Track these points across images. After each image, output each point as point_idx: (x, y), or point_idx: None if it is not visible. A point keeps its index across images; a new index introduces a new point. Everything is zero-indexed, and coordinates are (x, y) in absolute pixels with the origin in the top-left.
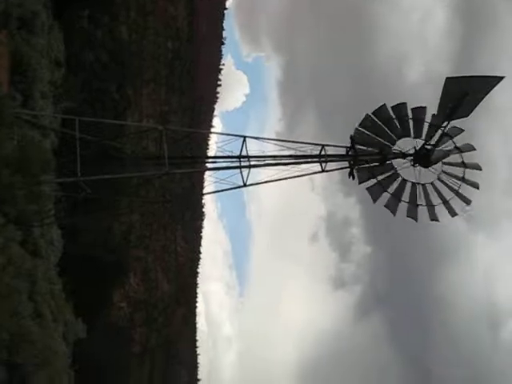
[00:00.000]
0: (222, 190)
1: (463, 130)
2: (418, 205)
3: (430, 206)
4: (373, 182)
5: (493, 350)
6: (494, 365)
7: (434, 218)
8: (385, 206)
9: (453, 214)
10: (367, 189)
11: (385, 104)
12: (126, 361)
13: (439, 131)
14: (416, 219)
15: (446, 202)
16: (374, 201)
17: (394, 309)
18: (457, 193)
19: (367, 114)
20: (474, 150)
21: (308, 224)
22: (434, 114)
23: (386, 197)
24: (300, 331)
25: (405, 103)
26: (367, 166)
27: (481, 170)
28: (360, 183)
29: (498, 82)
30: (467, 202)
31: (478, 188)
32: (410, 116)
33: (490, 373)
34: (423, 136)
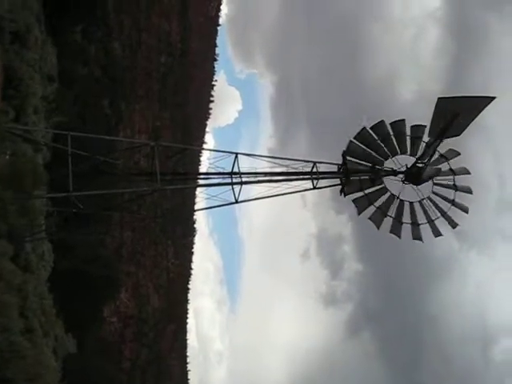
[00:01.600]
0: (214, 207)
1: (459, 154)
2: (402, 222)
3: (415, 225)
4: (360, 194)
5: (485, 368)
6: (486, 381)
7: (417, 236)
8: (369, 218)
9: (437, 234)
10: (353, 200)
11: (383, 120)
12: (116, 376)
13: (431, 149)
14: (399, 236)
15: (431, 222)
16: (359, 213)
17: (386, 327)
18: (444, 214)
19: (364, 128)
20: (469, 173)
21: (299, 241)
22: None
23: (372, 210)
24: (291, 348)
25: (403, 120)
26: (358, 178)
27: (471, 193)
28: (346, 195)
29: (490, 102)
30: (453, 225)
31: (467, 212)
32: (408, 133)
33: None
34: (419, 153)
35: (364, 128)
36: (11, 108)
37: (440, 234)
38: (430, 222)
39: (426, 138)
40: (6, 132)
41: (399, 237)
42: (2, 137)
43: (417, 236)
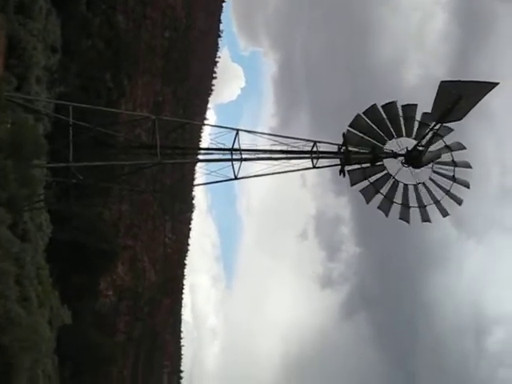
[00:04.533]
0: (213, 182)
1: (453, 130)
2: (409, 206)
3: (422, 208)
4: (365, 183)
5: (478, 358)
6: (478, 371)
7: (426, 219)
8: (378, 207)
9: (444, 214)
10: (361, 191)
11: (375, 104)
12: (110, 349)
13: (431, 132)
14: (408, 221)
15: (437, 203)
16: (367, 202)
17: (381, 311)
18: (448, 192)
19: (358, 114)
20: (464, 148)
21: (298, 221)
22: (424, 113)
23: (379, 198)
24: (285, 327)
25: (395, 101)
26: (359, 166)
27: (471, 168)
28: (352, 185)
29: (493, 88)
30: (459, 201)
31: (468, 187)
32: (400, 114)
33: (473, 379)
34: (414, 134)
35: (358, 114)
36: (13, 77)
37: (447, 214)
38: (436, 202)
39: (418, 118)
40: (8, 101)
41: (408, 222)
42: (4, 105)
43: (425, 218)
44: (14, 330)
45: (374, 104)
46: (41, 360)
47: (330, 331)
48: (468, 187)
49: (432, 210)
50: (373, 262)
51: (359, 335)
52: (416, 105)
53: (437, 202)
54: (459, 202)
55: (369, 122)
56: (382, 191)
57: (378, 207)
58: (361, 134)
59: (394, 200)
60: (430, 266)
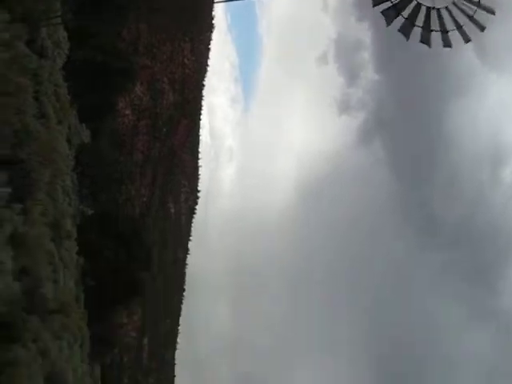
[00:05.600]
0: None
1: None
2: (431, 30)
3: (444, 33)
4: (387, 5)
5: (493, 186)
6: (494, 200)
7: (447, 44)
8: (398, 30)
9: (466, 39)
10: (382, 12)
11: None
12: (128, 168)
13: None
14: (429, 45)
15: (459, 28)
16: (388, 24)
17: (398, 137)
18: (471, 18)
19: None
20: (493, 14)
21: (318, 44)
22: None
23: (400, 21)
24: (301, 150)
25: None
26: None
27: (494, 14)
28: (375, 5)
29: None
30: (481, 28)
31: (482, 31)
32: None
33: (488, 208)
34: None
35: None
36: None
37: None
38: (459, 27)
39: None
40: None
41: (429, 45)
42: None
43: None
44: (32, 144)
45: None
46: (59, 176)
47: (347, 156)
48: (482, 30)
49: (454, 37)
50: (392, 89)
51: (375, 160)
52: None
53: (459, 28)
54: (482, 28)
55: None
56: (403, 14)
57: (399, 30)
58: None
59: (416, 23)
60: (451, 95)
